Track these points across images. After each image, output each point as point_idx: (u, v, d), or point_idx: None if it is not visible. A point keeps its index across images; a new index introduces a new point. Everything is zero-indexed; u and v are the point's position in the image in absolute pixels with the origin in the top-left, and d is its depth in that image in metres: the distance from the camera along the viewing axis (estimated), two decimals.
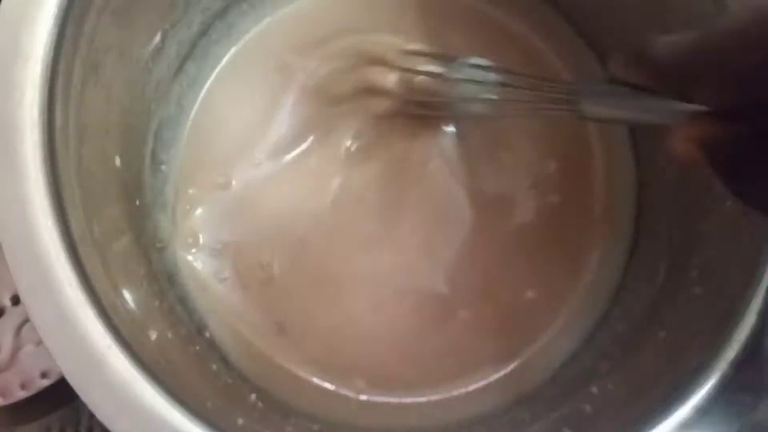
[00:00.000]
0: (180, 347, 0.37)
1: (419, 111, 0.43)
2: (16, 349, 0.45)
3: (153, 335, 0.33)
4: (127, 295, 0.33)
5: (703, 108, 0.26)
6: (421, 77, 0.43)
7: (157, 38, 0.40)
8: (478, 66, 0.40)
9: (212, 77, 0.46)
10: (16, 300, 0.46)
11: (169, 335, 0.37)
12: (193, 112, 0.45)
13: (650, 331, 0.36)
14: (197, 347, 0.40)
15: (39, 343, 0.45)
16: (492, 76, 0.39)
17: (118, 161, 0.38)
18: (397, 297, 0.42)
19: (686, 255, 0.36)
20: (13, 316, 0.45)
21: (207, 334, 0.43)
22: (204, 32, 0.45)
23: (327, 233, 0.43)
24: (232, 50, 0.46)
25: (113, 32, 0.35)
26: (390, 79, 0.44)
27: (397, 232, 0.43)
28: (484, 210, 0.43)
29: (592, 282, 0.43)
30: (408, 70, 0.43)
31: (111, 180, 0.37)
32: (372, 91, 0.43)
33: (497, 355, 0.43)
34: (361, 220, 0.43)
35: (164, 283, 0.42)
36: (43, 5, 0.30)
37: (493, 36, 0.45)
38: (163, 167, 0.44)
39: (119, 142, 0.38)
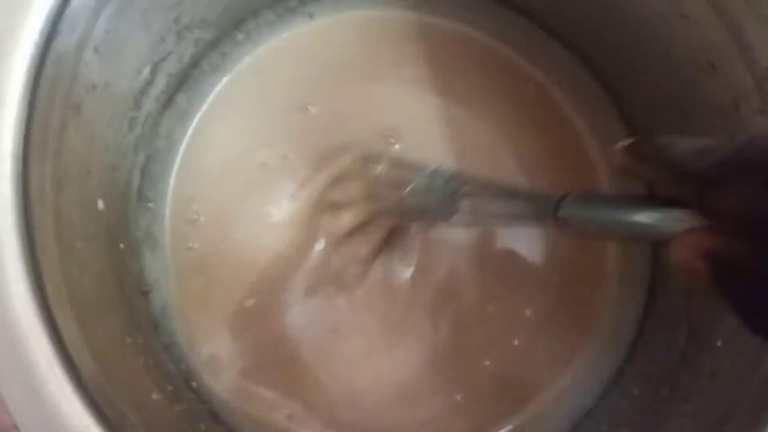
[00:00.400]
0: (167, 410, 0.34)
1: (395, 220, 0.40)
2: None
3: (136, 404, 0.31)
4: (108, 360, 0.30)
5: (702, 222, 0.24)
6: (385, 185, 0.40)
7: (146, 72, 0.37)
8: (443, 175, 0.37)
9: (203, 108, 0.43)
10: None
11: (155, 396, 0.34)
12: (182, 146, 0.43)
13: (672, 401, 0.33)
14: (185, 405, 0.37)
15: None
16: (457, 186, 0.36)
17: (101, 204, 0.35)
18: (402, 356, 0.40)
19: (709, 321, 0.34)
20: None
21: (194, 384, 0.40)
22: (196, 63, 0.42)
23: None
24: (225, 80, 0.43)
25: (97, 69, 0.32)
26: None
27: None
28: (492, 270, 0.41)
29: (604, 336, 0.41)
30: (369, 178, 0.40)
31: (92, 225, 0.34)
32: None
33: (503, 408, 0.40)
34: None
35: (149, 332, 0.39)
36: (18, 44, 0.27)
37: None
38: (150, 204, 0.42)
39: (102, 183, 0.36)
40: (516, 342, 0.41)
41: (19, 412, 0.26)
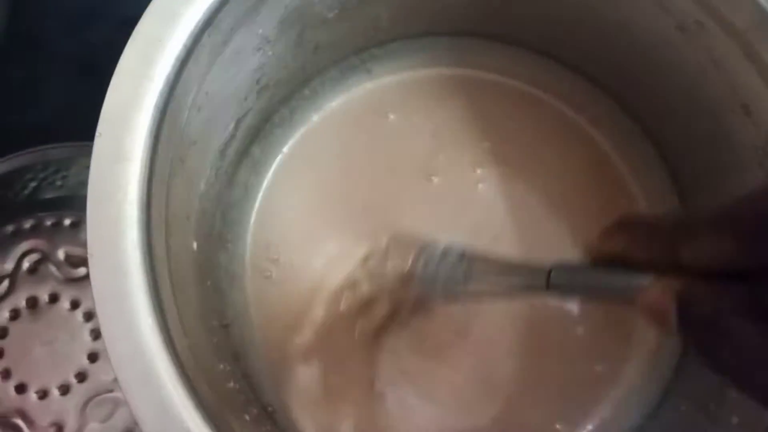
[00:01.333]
0: (256, 430, 0.38)
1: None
2: (81, 427, 0.46)
3: (239, 421, 0.34)
4: (214, 382, 0.34)
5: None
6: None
7: (231, 127, 0.42)
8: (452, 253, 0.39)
9: (275, 159, 0.47)
10: (81, 377, 0.47)
11: (246, 417, 0.38)
12: (258, 192, 0.47)
13: (719, 415, 0.36)
14: (267, 428, 0.41)
15: (104, 420, 0.46)
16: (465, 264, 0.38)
17: (195, 245, 0.39)
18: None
19: None
20: (78, 393, 0.46)
21: (270, 409, 0.44)
22: (268, 118, 0.46)
23: None
24: (293, 132, 0.48)
25: (198, 126, 0.36)
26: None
27: None
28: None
29: (650, 356, 0.44)
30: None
31: (190, 265, 0.38)
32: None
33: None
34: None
35: (232, 361, 0.43)
36: (143, 108, 0.32)
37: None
38: (228, 245, 0.46)
39: (195, 227, 0.40)
40: (562, 365, 0.44)
41: (149, 426, 0.29)
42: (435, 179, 0.46)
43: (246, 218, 0.46)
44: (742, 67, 0.36)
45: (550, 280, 0.33)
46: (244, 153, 0.46)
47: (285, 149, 0.47)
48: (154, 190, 0.32)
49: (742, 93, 0.37)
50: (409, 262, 0.41)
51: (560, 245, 0.45)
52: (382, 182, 0.46)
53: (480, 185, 0.46)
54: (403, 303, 0.43)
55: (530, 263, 0.35)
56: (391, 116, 0.48)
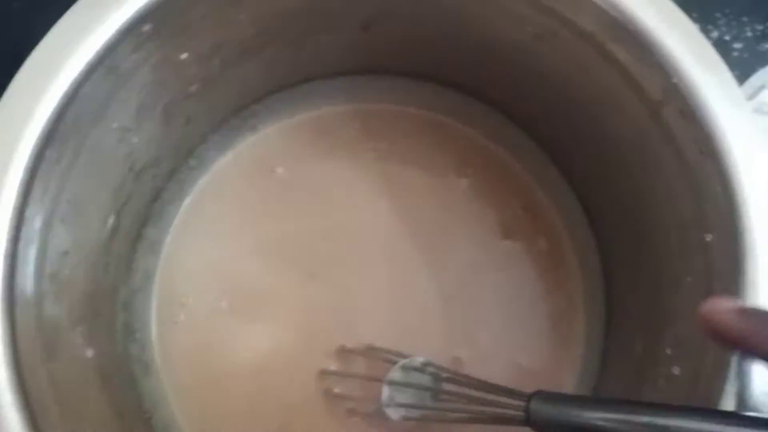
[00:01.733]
0: None
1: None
2: None
3: None
4: None
5: None
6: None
7: (111, 220, 0.40)
8: (421, 368, 0.39)
9: (172, 235, 0.46)
10: None
11: None
12: (157, 273, 0.45)
13: None
14: None
15: None
16: (435, 382, 0.39)
17: (90, 353, 0.38)
18: None
19: (658, 331, 0.37)
20: None
21: None
22: (156, 197, 0.45)
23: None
24: (186, 203, 0.46)
25: (68, 236, 0.35)
26: None
27: None
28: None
29: (579, 355, 0.44)
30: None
31: (86, 376, 0.37)
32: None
33: None
34: None
35: None
36: None
37: None
38: (137, 335, 0.44)
39: (88, 332, 0.38)
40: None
41: None
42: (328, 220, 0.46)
43: (150, 302, 0.45)
44: (601, 68, 0.36)
45: (530, 409, 0.30)
46: (137, 238, 0.44)
47: (177, 220, 0.46)
48: (17, 317, 0.30)
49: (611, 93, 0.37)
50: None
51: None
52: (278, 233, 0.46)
53: (377, 219, 0.46)
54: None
55: (508, 388, 0.34)
56: (280, 169, 0.46)
